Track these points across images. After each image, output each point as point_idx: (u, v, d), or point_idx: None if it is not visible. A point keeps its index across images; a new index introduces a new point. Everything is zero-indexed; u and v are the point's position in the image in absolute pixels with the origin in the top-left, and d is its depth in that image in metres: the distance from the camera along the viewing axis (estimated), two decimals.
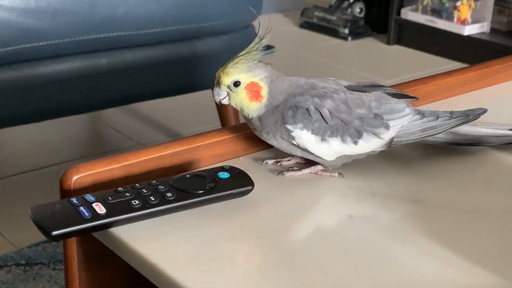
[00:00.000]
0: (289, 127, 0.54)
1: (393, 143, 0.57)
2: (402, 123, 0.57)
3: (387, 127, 0.56)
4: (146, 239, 0.48)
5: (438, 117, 0.58)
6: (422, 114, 0.58)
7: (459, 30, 2.17)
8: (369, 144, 0.56)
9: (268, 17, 2.52)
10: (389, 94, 0.59)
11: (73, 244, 0.52)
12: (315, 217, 0.54)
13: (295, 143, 0.55)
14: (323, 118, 0.54)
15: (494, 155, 0.63)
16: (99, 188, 0.52)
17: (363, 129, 0.56)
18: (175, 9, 1.26)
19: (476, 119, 0.59)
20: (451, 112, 0.59)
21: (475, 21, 2.19)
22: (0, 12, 1.09)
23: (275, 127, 0.55)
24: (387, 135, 0.56)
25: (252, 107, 0.55)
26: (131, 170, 0.54)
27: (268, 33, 0.53)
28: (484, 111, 0.60)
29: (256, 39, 0.53)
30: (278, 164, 0.58)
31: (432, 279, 0.45)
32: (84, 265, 0.53)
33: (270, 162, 0.58)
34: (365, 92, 0.58)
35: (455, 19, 2.19)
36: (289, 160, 0.58)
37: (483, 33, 2.19)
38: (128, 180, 0.54)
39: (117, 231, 0.48)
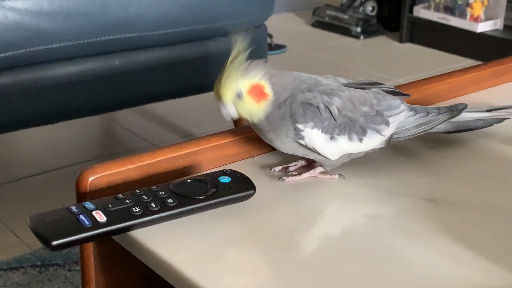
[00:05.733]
0: (300, 126, 0.53)
1: (391, 140, 0.58)
2: (399, 119, 0.58)
3: (387, 123, 0.57)
4: (162, 240, 0.48)
5: (428, 113, 0.59)
6: (415, 110, 0.59)
7: (472, 27, 2.16)
8: (372, 141, 0.57)
9: (280, 17, 2.52)
10: (384, 91, 0.59)
11: (89, 245, 0.52)
12: (330, 217, 0.54)
13: (302, 143, 0.54)
14: (332, 116, 0.54)
15: (507, 152, 0.62)
16: (115, 189, 0.52)
17: (367, 127, 0.56)
18: (187, 9, 1.26)
19: (459, 114, 0.61)
20: (438, 108, 0.60)
21: (488, 18, 2.17)
22: (13, 14, 1.10)
23: (281, 122, 0.54)
24: (387, 132, 0.57)
25: (261, 108, 0.53)
26: (147, 171, 0.54)
27: (242, 40, 0.51)
28: (465, 106, 0.61)
29: (235, 44, 0.51)
30: (286, 170, 0.57)
31: (448, 278, 0.45)
32: (101, 266, 0.53)
33: (277, 169, 0.57)
34: (364, 89, 0.58)
35: (468, 17, 2.17)
36: (295, 165, 0.58)
37: (496, 30, 2.18)
38: (143, 181, 0.54)
39: (134, 232, 0.48)
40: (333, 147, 0.55)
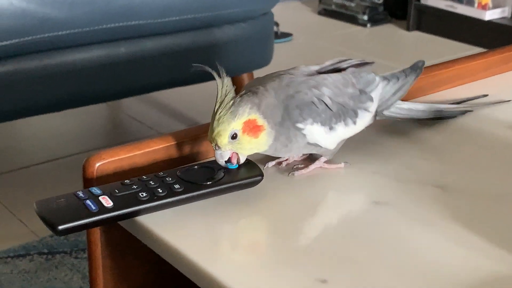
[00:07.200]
0: (300, 125, 0.53)
1: (376, 114, 0.58)
2: (379, 91, 0.58)
3: (371, 99, 0.57)
4: (169, 226, 0.48)
5: (398, 78, 0.60)
6: (387, 79, 0.60)
7: (479, 15, 2.15)
8: (363, 121, 0.57)
9: (286, 5, 2.51)
10: (352, 66, 0.58)
11: (96, 231, 0.52)
12: (338, 204, 0.53)
13: (310, 142, 0.54)
14: (327, 107, 0.54)
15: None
16: (121, 175, 0.52)
17: (357, 107, 0.56)
18: None
19: (421, 71, 0.62)
20: (404, 71, 0.61)
21: (496, 6, 2.16)
22: (19, 2, 1.10)
23: (290, 135, 0.53)
24: (373, 108, 0.57)
25: (262, 141, 0.52)
26: (153, 157, 0.54)
27: (227, 78, 0.50)
28: (423, 62, 0.62)
29: (219, 84, 0.50)
30: (280, 165, 0.56)
31: (458, 265, 0.45)
32: (108, 252, 0.53)
33: (271, 164, 0.56)
34: (339, 71, 0.57)
35: (475, 4, 2.16)
36: (286, 159, 0.57)
37: (504, 18, 2.16)
38: (150, 167, 0.54)
39: (141, 218, 0.48)
40: (332, 137, 0.55)
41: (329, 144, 0.55)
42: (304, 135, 0.53)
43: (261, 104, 0.52)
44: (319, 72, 0.56)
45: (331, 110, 0.54)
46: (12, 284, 1.04)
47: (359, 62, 0.59)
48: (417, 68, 0.61)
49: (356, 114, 0.56)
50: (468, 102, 0.68)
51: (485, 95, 0.70)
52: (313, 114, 0.53)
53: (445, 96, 0.70)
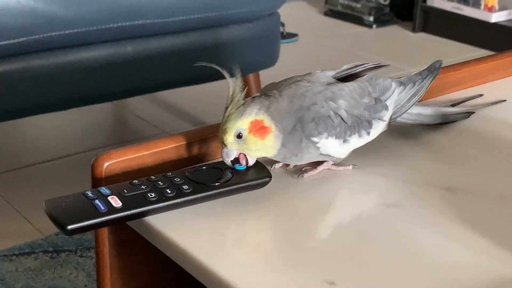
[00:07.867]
0: (315, 139, 0.53)
1: (390, 121, 0.58)
2: (394, 99, 0.58)
3: (386, 108, 0.57)
4: (177, 226, 0.48)
5: (414, 83, 0.60)
6: (404, 84, 0.59)
7: (486, 17, 2.14)
8: (377, 130, 0.57)
9: (292, 5, 2.50)
10: (368, 69, 0.58)
11: (104, 231, 0.52)
12: (346, 206, 0.53)
13: (322, 153, 0.54)
14: (343, 120, 0.54)
15: None
16: (130, 175, 0.52)
17: (372, 118, 0.56)
18: None
19: (438, 72, 0.62)
20: (421, 73, 0.61)
21: (502, 8, 2.16)
22: (26, 0, 1.10)
23: (301, 146, 0.53)
24: (387, 116, 0.57)
25: (269, 143, 0.52)
26: (162, 157, 0.54)
27: (240, 77, 0.50)
28: (440, 62, 0.62)
29: (230, 84, 0.50)
30: (288, 166, 0.56)
31: (465, 266, 0.45)
32: (115, 252, 0.53)
33: (277, 166, 0.56)
34: (357, 77, 0.57)
35: (482, 6, 2.16)
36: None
37: (510, 20, 2.16)
38: (158, 167, 0.54)
39: (149, 218, 0.48)
40: (345, 149, 0.55)
41: (341, 155, 0.55)
42: (318, 147, 0.53)
43: (271, 106, 0.52)
44: (335, 78, 0.56)
45: (346, 123, 0.54)
46: (17, 282, 1.05)
47: (374, 65, 0.59)
48: (434, 69, 0.61)
49: (370, 125, 0.56)
50: (468, 103, 0.68)
51: (481, 95, 0.70)
52: (329, 128, 0.53)
53: (452, 98, 0.70)
